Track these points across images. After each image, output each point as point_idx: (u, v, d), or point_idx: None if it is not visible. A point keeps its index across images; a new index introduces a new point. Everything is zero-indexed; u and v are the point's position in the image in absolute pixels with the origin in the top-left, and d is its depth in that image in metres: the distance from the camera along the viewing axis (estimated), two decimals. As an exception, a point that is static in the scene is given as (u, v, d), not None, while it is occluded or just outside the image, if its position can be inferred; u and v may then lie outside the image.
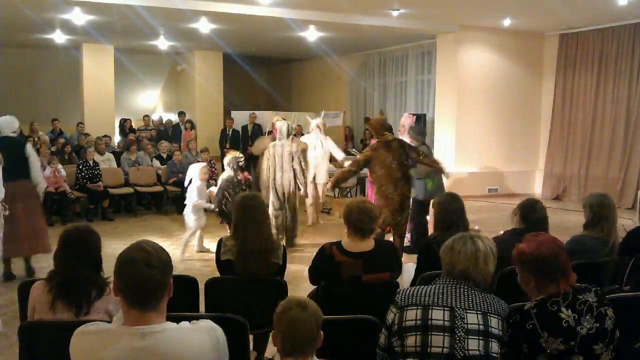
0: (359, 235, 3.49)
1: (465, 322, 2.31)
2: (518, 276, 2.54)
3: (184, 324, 2.00)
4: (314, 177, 9.18)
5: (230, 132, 13.72)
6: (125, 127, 14.36)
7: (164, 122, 14.92)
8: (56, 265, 2.90)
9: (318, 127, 9.29)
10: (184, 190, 7.87)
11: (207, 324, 2.05)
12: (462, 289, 2.39)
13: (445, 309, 2.34)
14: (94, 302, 2.80)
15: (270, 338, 2.26)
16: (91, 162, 9.97)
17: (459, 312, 2.32)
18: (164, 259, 1.94)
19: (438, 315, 2.32)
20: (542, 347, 2.32)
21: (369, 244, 3.49)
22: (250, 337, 3.28)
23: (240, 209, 3.77)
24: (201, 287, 3.56)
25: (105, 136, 11.73)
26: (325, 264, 3.46)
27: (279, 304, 2.19)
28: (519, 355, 2.38)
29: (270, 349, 3.61)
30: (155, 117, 16.19)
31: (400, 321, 2.39)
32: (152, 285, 1.89)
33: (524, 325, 2.36)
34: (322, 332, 2.18)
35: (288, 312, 2.13)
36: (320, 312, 2.19)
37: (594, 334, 2.33)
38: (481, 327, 2.31)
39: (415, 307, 2.37)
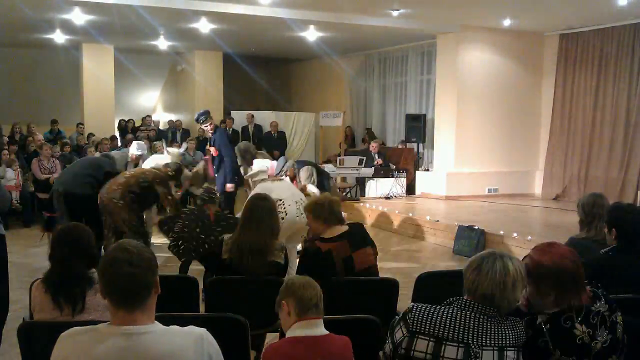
0: (335, 222, 3.78)
1: None
2: (526, 289, 2.34)
3: (174, 327, 1.97)
4: None
5: (230, 132, 13.70)
6: (127, 128, 14.35)
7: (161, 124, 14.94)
8: (52, 265, 2.94)
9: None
10: None
11: (199, 332, 1.97)
12: (480, 319, 2.18)
13: (460, 345, 2.15)
14: (87, 298, 2.83)
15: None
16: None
17: (474, 349, 2.14)
18: (146, 257, 1.93)
19: (451, 353, 2.15)
20: None
21: (344, 227, 3.82)
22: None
23: (247, 208, 3.84)
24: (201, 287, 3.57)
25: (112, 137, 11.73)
26: (315, 261, 3.57)
27: (285, 280, 2.55)
28: None
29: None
30: (155, 117, 16.18)
31: (408, 347, 2.22)
32: (136, 285, 1.89)
33: (535, 342, 2.25)
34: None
35: (295, 279, 2.54)
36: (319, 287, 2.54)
37: (607, 347, 2.25)
38: None
39: (427, 339, 2.19)
